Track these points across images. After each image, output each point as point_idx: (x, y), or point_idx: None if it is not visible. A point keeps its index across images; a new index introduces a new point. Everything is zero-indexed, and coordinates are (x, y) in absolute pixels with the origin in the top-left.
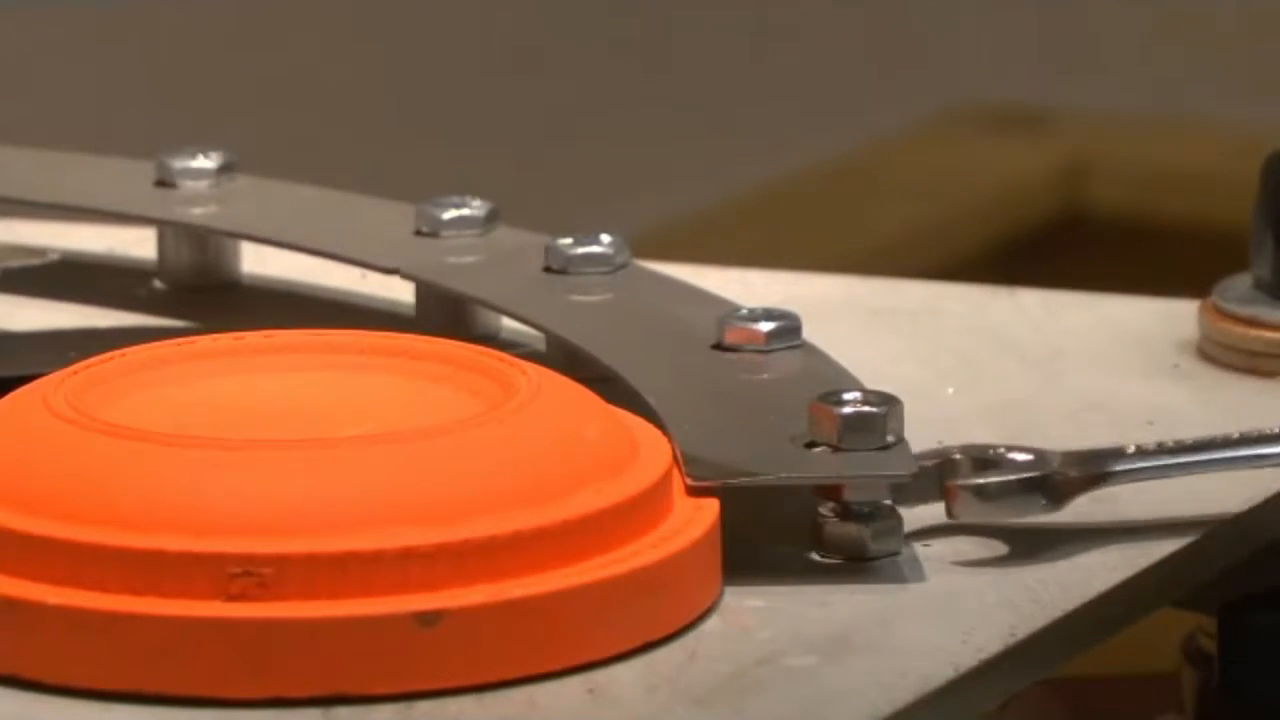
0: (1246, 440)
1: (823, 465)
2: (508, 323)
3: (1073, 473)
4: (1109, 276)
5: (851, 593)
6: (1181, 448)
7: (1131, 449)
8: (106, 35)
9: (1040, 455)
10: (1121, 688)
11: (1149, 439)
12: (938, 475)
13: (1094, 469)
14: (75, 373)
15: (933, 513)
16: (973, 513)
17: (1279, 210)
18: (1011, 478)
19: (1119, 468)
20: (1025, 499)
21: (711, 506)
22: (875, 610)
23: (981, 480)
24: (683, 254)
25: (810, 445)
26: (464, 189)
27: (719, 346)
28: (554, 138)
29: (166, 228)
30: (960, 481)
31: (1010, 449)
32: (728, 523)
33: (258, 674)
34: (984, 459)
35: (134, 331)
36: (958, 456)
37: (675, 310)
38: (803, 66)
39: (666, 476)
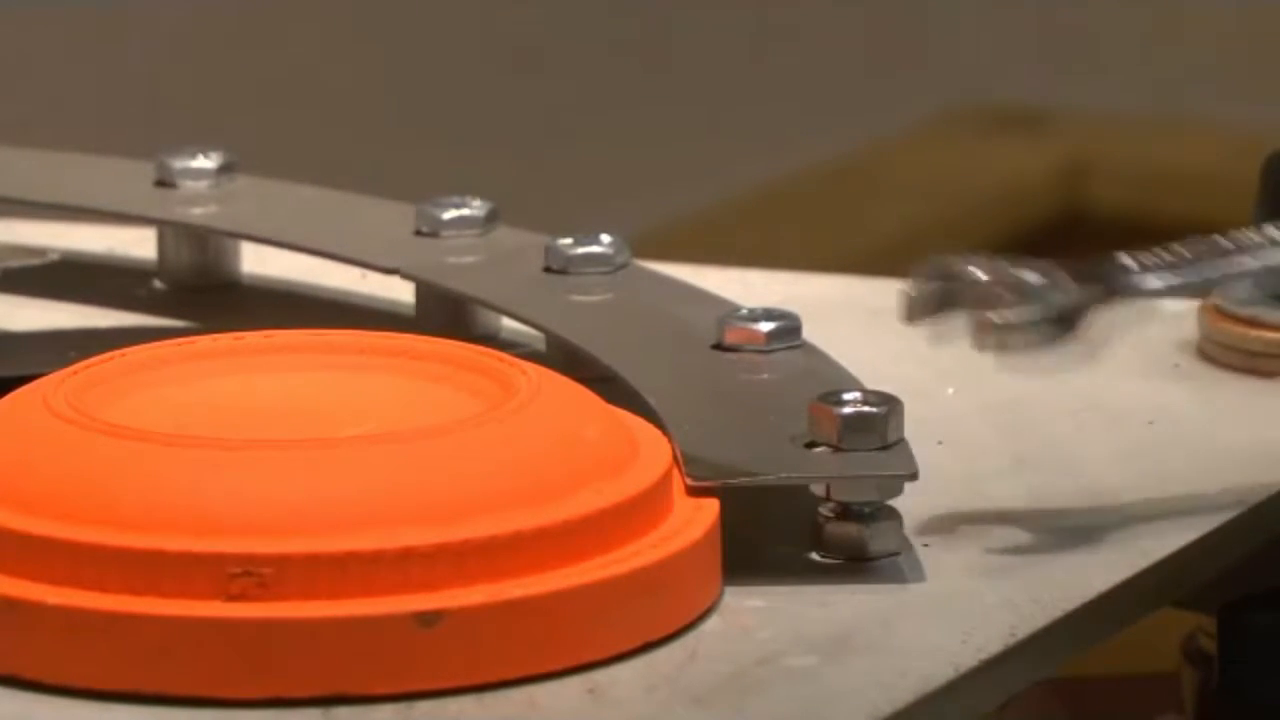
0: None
1: (823, 465)
2: (508, 323)
3: (1088, 295)
4: None
5: (851, 593)
6: (1192, 259)
7: (1134, 265)
8: (106, 35)
9: (1052, 280)
10: (1121, 688)
11: (1148, 439)
12: (942, 296)
13: (1111, 286)
14: (75, 373)
15: (933, 513)
16: (994, 346)
17: (1279, 210)
18: (1034, 313)
19: (1136, 284)
20: (1046, 332)
21: (711, 506)
22: (875, 610)
23: (1003, 317)
24: (683, 254)
25: (810, 445)
26: (464, 189)
27: (719, 346)
28: (554, 138)
29: (166, 228)
30: (981, 315)
31: (1021, 267)
32: (728, 523)
33: (258, 674)
34: (995, 280)
35: (134, 331)
36: (970, 276)
37: (675, 310)
38: (803, 66)
39: (666, 476)
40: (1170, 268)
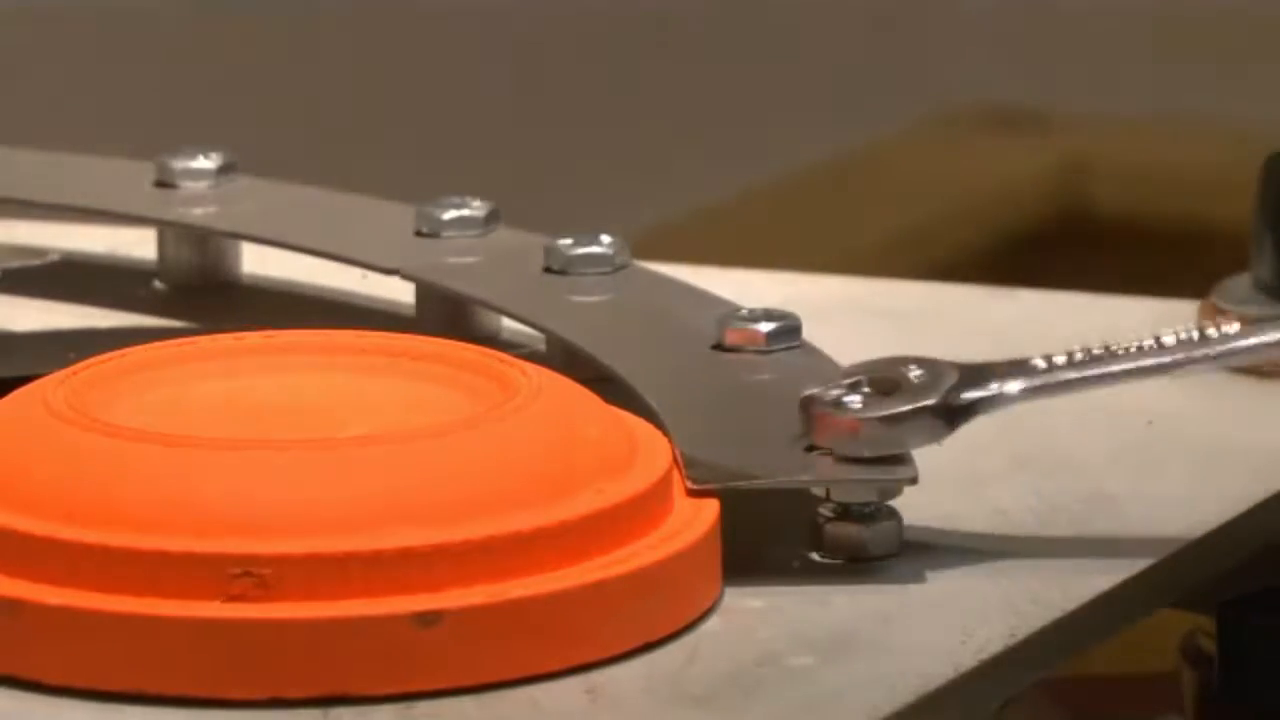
0: (1156, 349)
1: (823, 469)
2: (508, 323)
3: (964, 396)
4: (1109, 276)
5: (851, 593)
6: (1081, 361)
7: (1040, 363)
8: (106, 35)
9: (936, 374)
10: (1121, 688)
11: (1148, 439)
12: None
13: (978, 393)
14: (75, 373)
15: (933, 513)
16: (879, 445)
17: (1279, 210)
18: (916, 404)
19: (1018, 386)
20: (928, 425)
21: (712, 507)
22: (875, 610)
23: (887, 411)
24: (683, 254)
25: (810, 448)
26: (464, 189)
27: (719, 347)
28: (554, 138)
29: (167, 228)
30: (853, 415)
31: (906, 364)
32: (728, 523)
33: (257, 674)
34: (880, 379)
35: (134, 331)
36: (849, 383)
37: (675, 310)
38: (802, 66)
39: (666, 477)
40: (1055, 371)
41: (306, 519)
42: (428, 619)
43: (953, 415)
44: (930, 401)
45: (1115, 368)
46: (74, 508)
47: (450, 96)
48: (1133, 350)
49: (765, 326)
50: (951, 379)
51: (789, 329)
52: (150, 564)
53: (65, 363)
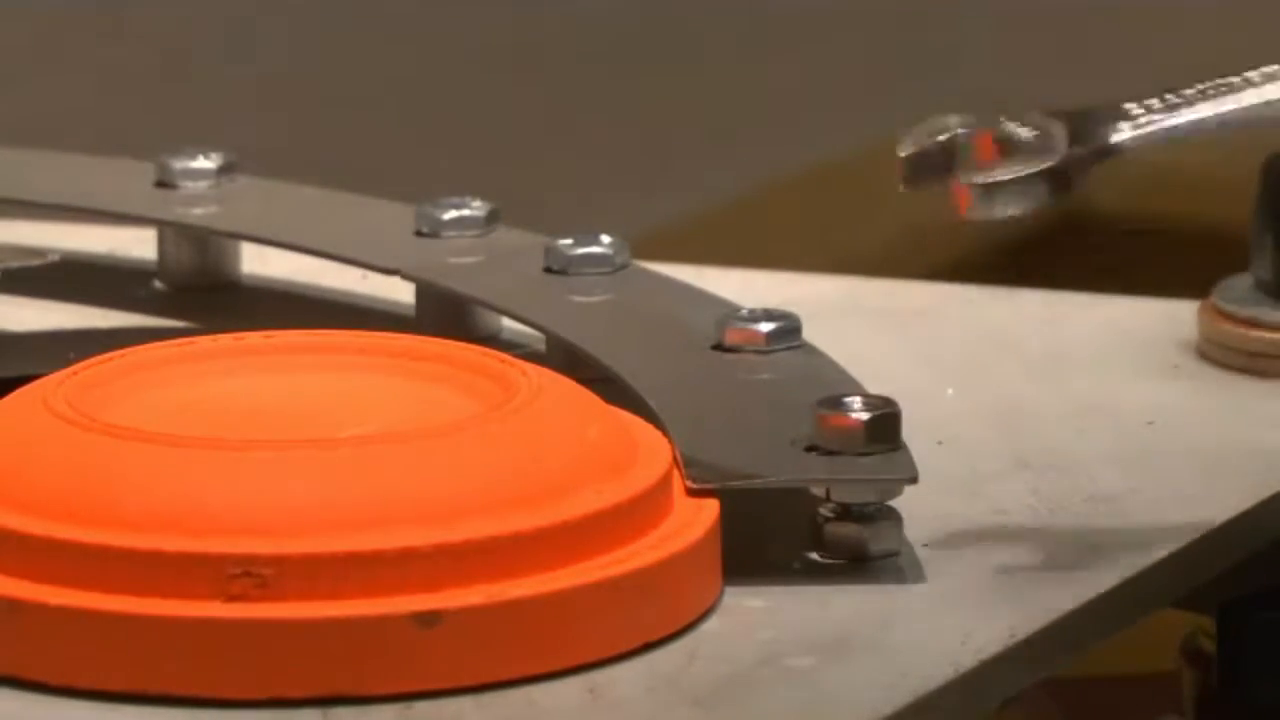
0: (1246, 83)
1: (822, 469)
2: (508, 323)
3: (1080, 150)
4: (1109, 276)
5: (851, 593)
6: (1184, 99)
7: (1135, 108)
8: (106, 35)
9: (1046, 135)
10: (1121, 688)
11: (1148, 439)
12: (943, 158)
13: (1104, 138)
14: (75, 373)
15: (933, 513)
16: (981, 211)
17: (1279, 210)
18: (1026, 169)
19: (1127, 133)
20: (1039, 190)
21: (712, 507)
22: (875, 610)
23: (989, 179)
24: (683, 254)
25: (810, 448)
26: (464, 189)
27: (719, 347)
28: (554, 138)
29: (167, 228)
30: (967, 179)
31: (1010, 124)
32: (728, 523)
33: (257, 674)
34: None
35: (134, 331)
36: (959, 135)
37: (675, 311)
38: (803, 66)
39: (666, 477)
40: (1168, 110)
41: (306, 519)
42: (428, 619)
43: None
44: (1046, 162)
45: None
46: (74, 508)
47: (450, 96)
48: (1222, 86)
49: (765, 326)
50: (1063, 135)
51: (789, 329)
52: (150, 564)
53: (65, 363)
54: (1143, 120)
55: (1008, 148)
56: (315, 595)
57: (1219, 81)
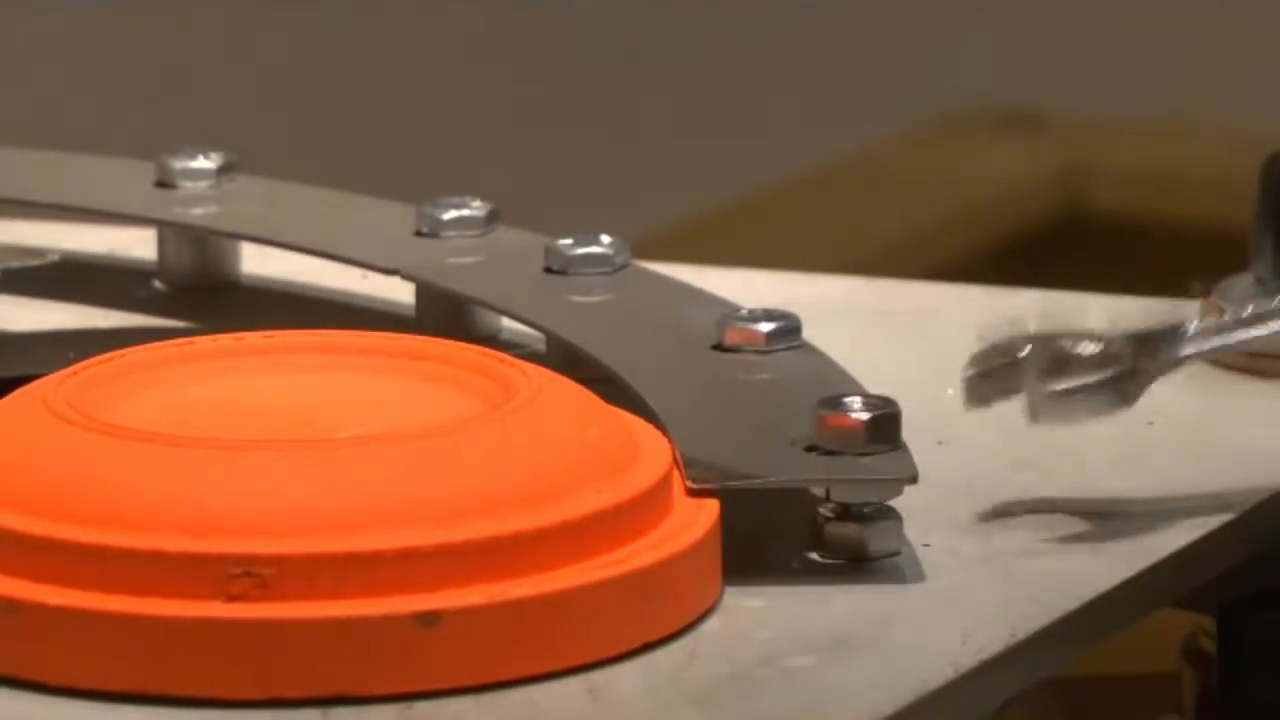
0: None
1: (822, 469)
2: (508, 323)
3: (1146, 363)
4: (1109, 276)
5: (851, 593)
6: (1240, 321)
7: (1193, 327)
8: (106, 35)
9: (1109, 348)
10: (1121, 688)
11: (1148, 439)
12: (1007, 379)
13: (1167, 354)
14: (75, 373)
15: (933, 513)
16: (1053, 417)
17: (1279, 210)
18: (1092, 379)
19: (1190, 350)
20: (1104, 399)
21: (712, 507)
22: (875, 610)
23: (1061, 386)
24: (683, 254)
25: (810, 448)
26: (464, 189)
27: (719, 347)
28: (554, 138)
29: (167, 228)
30: (1039, 387)
31: (1076, 339)
32: (728, 523)
33: (257, 674)
34: (1054, 355)
35: (134, 331)
36: (1024, 353)
37: (675, 311)
38: (803, 66)
39: (666, 477)
40: (1223, 331)
41: (306, 519)
42: (428, 619)
43: (1133, 386)
44: (1111, 373)
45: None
46: (74, 508)
47: (450, 96)
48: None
49: (765, 326)
50: (1128, 350)
51: (789, 329)
52: (150, 564)
53: (65, 363)
54: (1201, 340)
55: (1074, 359)
56: (315, 595)
57: (1273, 308)
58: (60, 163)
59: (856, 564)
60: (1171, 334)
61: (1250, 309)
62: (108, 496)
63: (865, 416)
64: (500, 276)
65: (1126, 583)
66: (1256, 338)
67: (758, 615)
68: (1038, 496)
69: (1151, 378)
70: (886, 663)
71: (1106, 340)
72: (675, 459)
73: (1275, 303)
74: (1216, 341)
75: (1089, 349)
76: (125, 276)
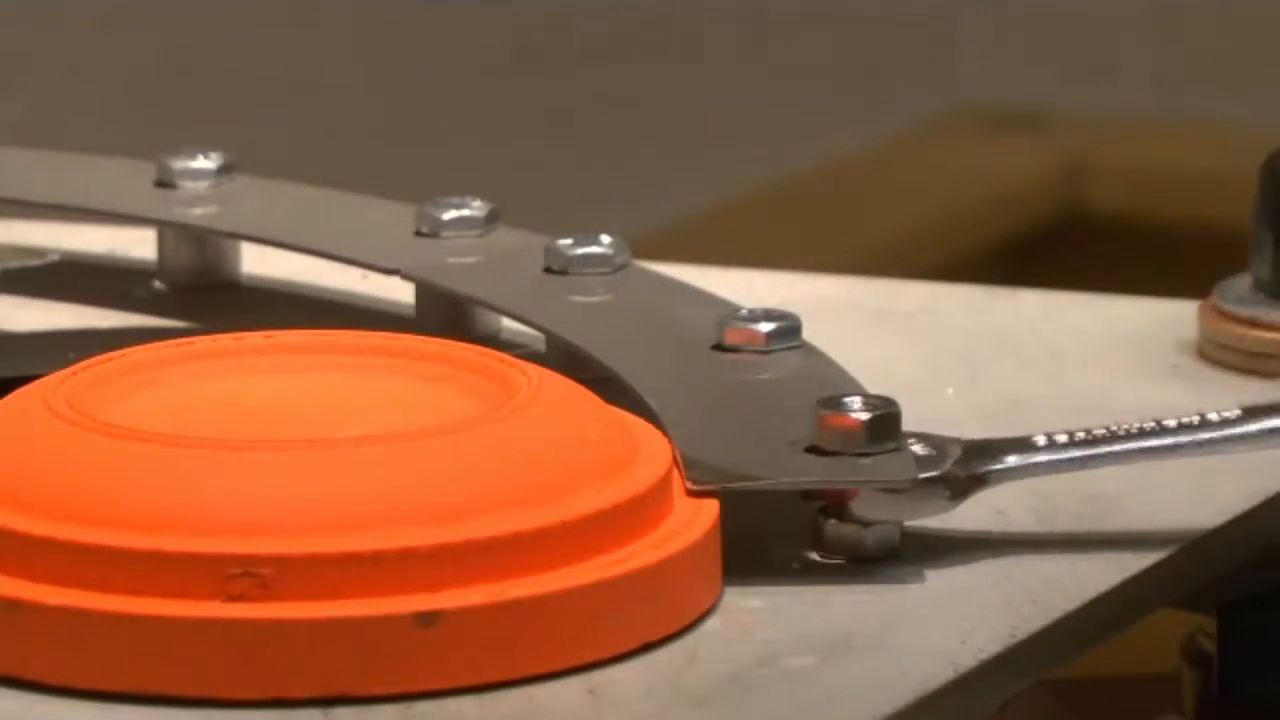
0: (1158, 431)
1: (822, 470)
2: (508, 323)
3: (963, 472)
4: (1109, 276)
5: (851, 593)
6: (1084, 440)
7: (1041, 440)
8: (106, 35)
9: (940, 448)
10: (1121, 688)
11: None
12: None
13: (983, 467)
14: (75, 373)
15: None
16: (878, 512)
17: (1279, 210)
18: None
19: (1008, 464)
20: (925, 498)
21: (712, 507)
22: (875, 610)
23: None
24: (683, 254)
25: (810, 449)
26: (464, 189)
27: (719, 347)
28: (554, 138)
29: (166, 228)
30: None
31: (910, 438)
32: (728, 523)
33: (258, 674)
34: None
35: (134, 331)
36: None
37: (675, 311)
38: (803, 66)
39: (666, 477)
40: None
41: (306, 519)
42: (428, 619)
43: (960, 487)
44: (935, 473)
45: (1117, 448)
46: (74, 508)
47: (450, 96)
48: (1134, 431)
49: (765, 326)
50: (956, 453)
51: (789, 329)
52: (150, 564)
53: (65, 363)
54: (1032, 457)
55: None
56: (315, 595)
57: (1112, 429)
58: (60, 163)
59: (856, 564)
60: (999, 449)
61: (1093, 430)
62: (108, 496)
63: (865, 416)
64: (500, 276)
65: (1126, 583)
66: (1096, 455)
67: (758, 615)
68: (1037, 496)
69: (972, 488)
70: (886, 663)
71: (938, 442)
72: (675, 459)
73: (1116, 427)
74: (1050, 457)
75: (919, 448)
76: (125, 276)
